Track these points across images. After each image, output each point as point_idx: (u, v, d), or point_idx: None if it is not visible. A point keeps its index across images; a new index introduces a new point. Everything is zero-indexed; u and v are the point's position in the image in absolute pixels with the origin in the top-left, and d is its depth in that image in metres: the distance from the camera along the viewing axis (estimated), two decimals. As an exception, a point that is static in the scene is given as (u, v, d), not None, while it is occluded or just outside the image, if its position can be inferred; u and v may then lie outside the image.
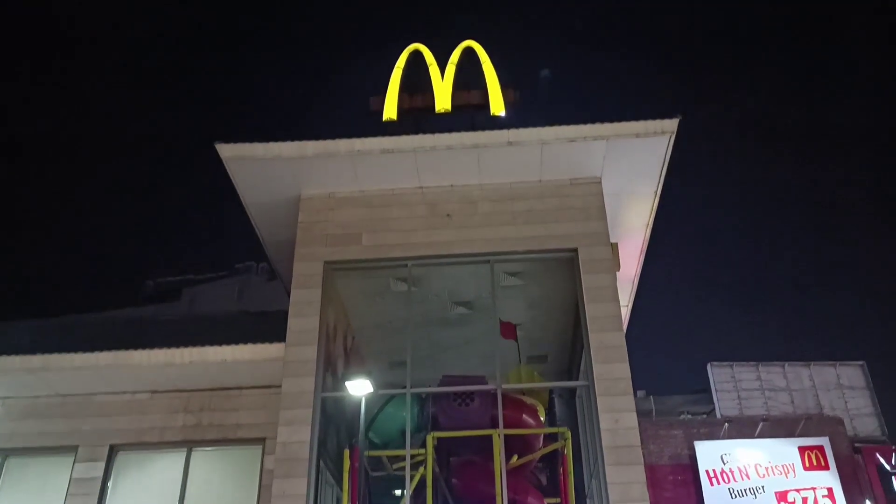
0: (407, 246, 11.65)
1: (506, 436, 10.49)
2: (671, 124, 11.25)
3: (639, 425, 10.14)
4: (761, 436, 19.09)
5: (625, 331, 11.68)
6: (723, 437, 19.14)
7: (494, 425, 10.60)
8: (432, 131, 11.74)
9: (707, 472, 18.75)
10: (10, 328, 13.94)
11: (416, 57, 13.44)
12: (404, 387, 11.00)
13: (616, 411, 10.06)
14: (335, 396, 11.20)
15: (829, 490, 18.43)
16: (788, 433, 19.16)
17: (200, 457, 11.58)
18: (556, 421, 13.23)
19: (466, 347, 13.69)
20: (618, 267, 11.75)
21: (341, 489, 10.67)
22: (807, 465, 18.78)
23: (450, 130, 11.64)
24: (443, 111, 12.85)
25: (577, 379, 13.15)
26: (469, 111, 12.83)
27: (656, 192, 12.23)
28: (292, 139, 11.60)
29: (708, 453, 18.96)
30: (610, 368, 10.43)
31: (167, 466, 11.50)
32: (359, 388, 10.50)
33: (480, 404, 11.23)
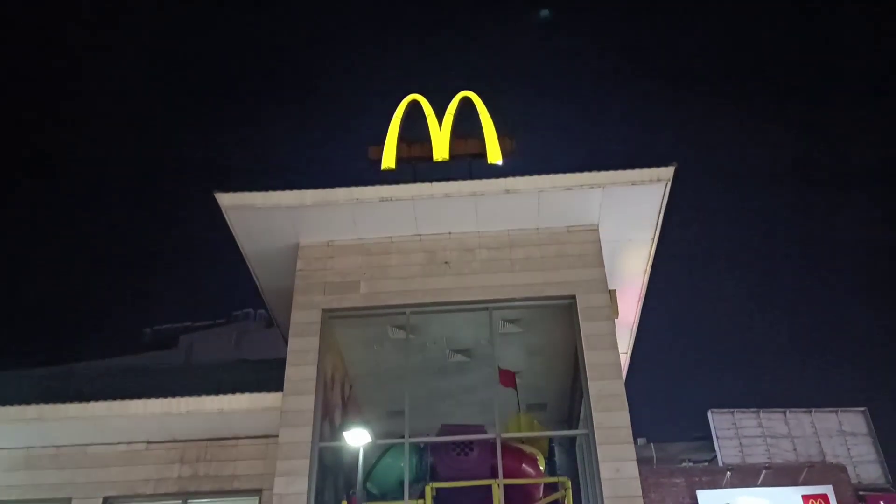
0: (405, 294, 11.67)
1: (506, 486, 10.36)
2: (667, 172, 11.38)
3: (639, 474, 10.05)
4: (764, 484, 18.90)
5: (624, 378, 11.63)
6: (725, 486, 18.95)
7: (494, 475, 10.48)
8: (430, 180, 11.87)
9: (710, 521, 18.51)
10: (4, 377, 13.89)
11: (415, 107, 13.63)
12: (402, 436, 10.90)
13: (617, 460, 9.98)
14: (333, 446, 11.09)
15: (835, 539, 18.18)
16: (792, 481, 18.98)
17: (196, 509, 11.41)
18: (557, 470, 13.08)
19: (465, 396, 13.61)
20: (616, 314, 11.76)
21: (339, 542, 10.51)
22: (811, 513, 18.55)
23: (448, 179, 11.79)
24: (441, 160, 12.98)
25: (577, 427, 13.04)
26: (466, 160, 12.96)
27: (653, 238, 12.31)
28: (290, 188, 11.71)
29: (711, 502, 18.73)
30: (610, 417, 10.37)
31: (162, 519, 11.32)
32: (356, 437, 10.40)
33: (480, 454, 11.11)
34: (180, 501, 11.37)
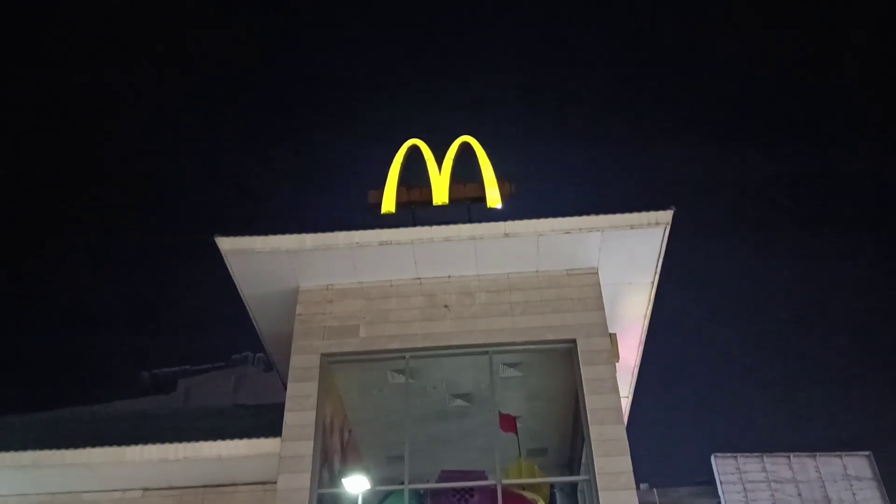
0: (405, 338, 11.65)
1: (506, 534, 10.21)
2: (665, 216, 11.44)
3: (642, 520, 9.92)
4: (770, 530, 18.60)
5: (625, 422, 11.54)
6: (730, 532, 18.64)
7: (495, 522, 10.33)
8: (430, 224, 11.94)
9: (715, 569, 18.18)
10: (0, 423, 13.76)
11: (414, 151, 13.75)
12: (402, 482, 10.77)
13: (619, 507, 9.84)
14: (332, 493, 10.95)
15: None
16: (797, 527, 18.68)
17: (192, 557, 11.23)
18: (558, 516, 12.89)
19: (465, 440, 13.46)
20: (617, 358, 11.71)
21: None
22: (818, 560, 18.23)
23: (447, 223, 11.84)
24: (440, 204, 13.06)
25: (578, 472, 12.89)
26: (466, 204, 13.03)
27: (653, 282, 12.32)
28: (290, 232, 11.75)
29: (715, 549, 18.43)
30: (611, 462, 10.27)
31: (157, 568, 11.14)
32: (356, 484, 10.27)
33: (480, 500, 10.98)
34: (176, 550, 11.19)
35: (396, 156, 13.75)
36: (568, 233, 11.57)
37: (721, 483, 21.80)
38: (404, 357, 11.68)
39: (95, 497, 11.54)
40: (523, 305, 11.78)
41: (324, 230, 11.78)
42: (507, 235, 11.62)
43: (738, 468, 22.10)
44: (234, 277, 11.99)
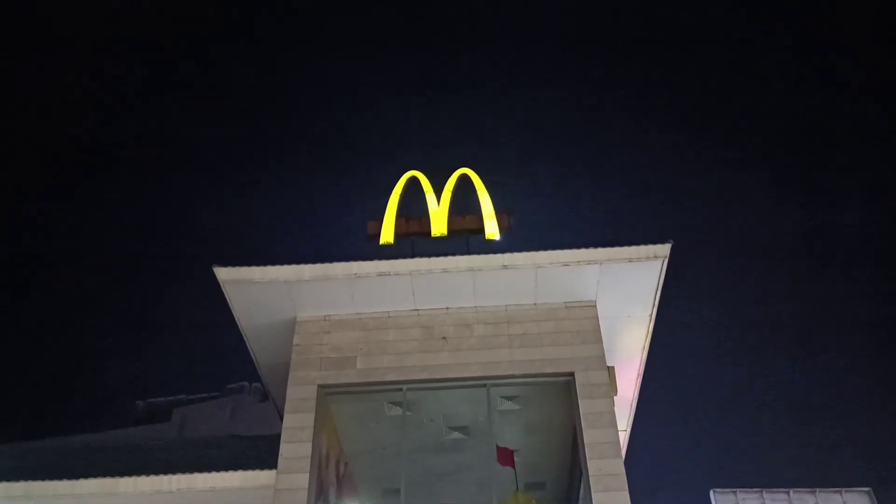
0: (402, 370, 11.60)
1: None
2: (663, 249, 11.47)
3: (641, 558, 9.80)
4: (769, 567, 18.35)
5: (624, 456, 11.46)
6: (730, 569, 18.38)
7: (491, 558, 10.22)
8: (428, 255, 11.93)
9: None
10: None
11: (413, 183, 13.83)
12: (398, 516, 10.67)
13: (617, 543, 9.75)
14: (326, 527, 10.83)
15: None
16: (797, 565, 18.43)
17: (183, 592, 11.05)
18: (555, 552, 12.76)
19: (462, 474, 13.35)
20: (615, 391, 11.67)
21: None
22: None
23: (446, 254, 11.84)
24: (439, 236, 13.09)
25: (576, 507, 12.78)
26: (464, 236, 13.07)
27: (651, 315, 12.31)
28: (289, 262, 11.76)
29: (714, 586, 18.16)
30: (609, 497, 10.19)
31: None
32: (351, 518, 10.18)
33: (477, 535, 10.86)
34: (168, 584, 11.02)
35: (395, 187, 13.82)
36: (566, 265, 11.59)
37: (720, 519, 21.55)
38: (401, 389, 11.63)
39: (87, 529, 11.40)
40: (521, 338, 11.76)
41: (322, 261, 11.79)
42: (505, 267, 11.64)
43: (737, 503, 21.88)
44: (231, 307, 11.97)
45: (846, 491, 21.93)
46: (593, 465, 10.46)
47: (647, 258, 11.49)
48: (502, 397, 11.95)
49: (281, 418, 11.54)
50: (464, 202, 13.48)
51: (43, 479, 11.11)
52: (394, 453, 11.88)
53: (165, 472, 11.03)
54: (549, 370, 11.47)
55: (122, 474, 11.07)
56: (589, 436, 10.70)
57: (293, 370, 11.70)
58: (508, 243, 12.88)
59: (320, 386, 11.52)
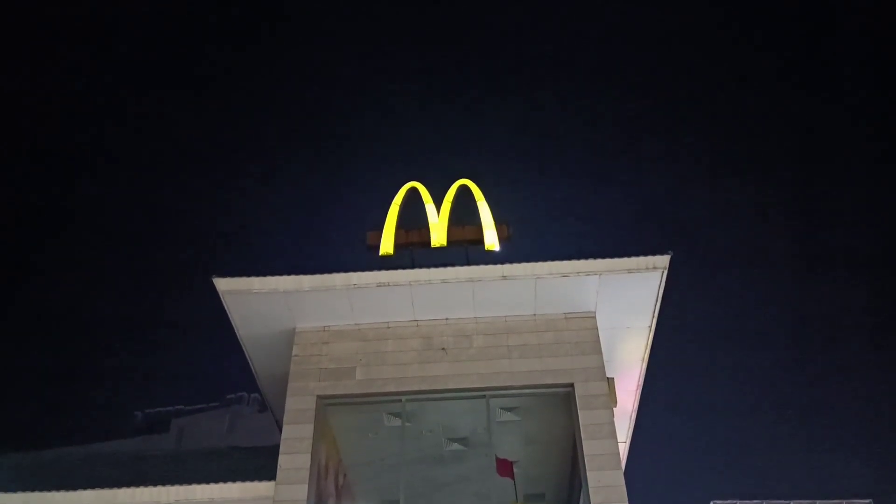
0: (401, 380, 11.59)
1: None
2: (662, 260, 11.48)
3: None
4: (770, 580, 18.27)
5: (623, 468, 11.43)
6: (730, 581, 18.31)
7: (491, 570, 10.18)
8: (428, 266, 11.94)
9: None
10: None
11: (413, 194, 13.84)
12: (397, 528, 10.63)
13: (617, 555, 9.72)
14: (325, 539, 10.79)
15: None
16: (798, 577, 18.35)
17: None
18: (555, 564, 12.71)
19: (461, 485, 13.31)
20: (615, 402, 11.65)
21: None
22: None
23: (445, 265, 11.85)
24: (438, 246, 13.10)
25: (576, 519, 12.74)
26: (464, 246, 13.07)
27: (650, 326, 12.31)
28: (288, 273, 11.76)
29: None
30: (609, 508, 10.13)
31: None
32: (350, 530, 10.14)
33: (476, 547, 10.82)
34: None
35: (395, 198, 13.84)
36: (566, 276, 11.59)
37: (720, 530, 21.47)
38: (401, 400, 11.61)
39: (84, 540, 11.34)
40: (521, 349, 11.75)
41: (321, 271, 11.79)
42: (504, 278, 11.64)
43: (737, 515, 21.80)
44: (231, 318, 11.96)
45: (847, 502, 21.93)
46: (593, 477, 10.43)
47: (647, 269, 11.50)
48: (502, 408, 11.93)
49: (280, 429, 11.51)
50: (463, 213, 13.50)
51: (41, 490, 11.07)
52: (393, 464, 11.85)
53: (164, 484, 10.99)
54: (548, 381, 11.46)
55: (120, 485, 11.03)
56: (589, 447, 10.68)
57: (292, 381, 11.68)
58: (508, 254, 12.90)
59: (319, 397, 11.50)
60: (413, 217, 13.54)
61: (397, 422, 11.79)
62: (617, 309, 11.93)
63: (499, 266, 11.75)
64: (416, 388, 11.52)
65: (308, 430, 11.14)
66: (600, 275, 11.54)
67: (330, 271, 11.77)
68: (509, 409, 12.00)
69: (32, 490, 11.07)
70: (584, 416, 10.97)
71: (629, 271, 11.51)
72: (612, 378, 11.96)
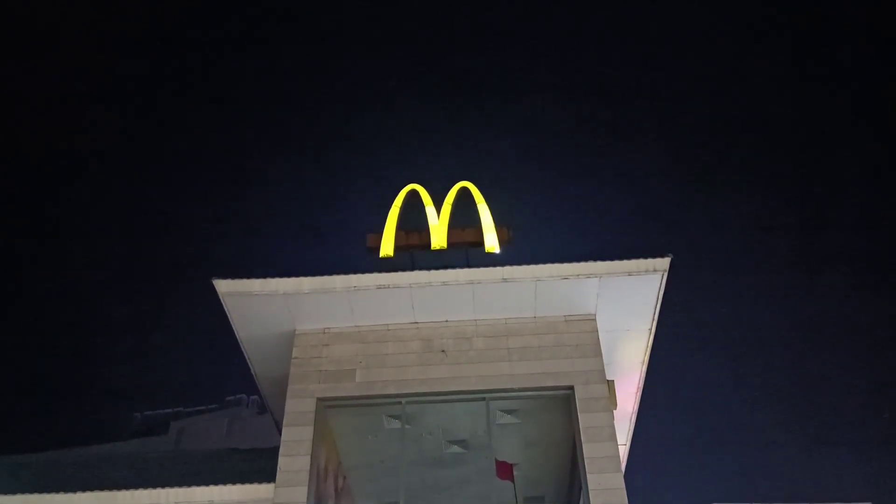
0: (401, 383, 11.57)
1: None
2: (663, 263, 11.47)
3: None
4: (770, 583, 18.26)
5: (623, 470, 11.42)
6: (730, 584, 18.29)
7: (490, 573, 10.16)
8: (428, 268, 11.94)
9: None
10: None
11: (413, 196, 13.83)
12: (396, 531, 10.61)
13: (617, 558, 9.70)
14: (324, 541, 10.77)
15: None
16: (798, 580, 18.34)
17: None
18: (555, 567, 12.70)
19: (461, 488, 13.30)
20: (615, 405, 11.63)
21: None
22: None
23: (445, 267, 11.86)
24: (438, 249, 13.09)
25: (575, 522, 12.72)
26: (464, 249, 13.07)
27: (651, 329, 12.30)
28: (288, 275, 11.75)
29: None
30: (609, 512, 10.12)
31: None
32: (349, 532, 10.13)
33: (476, 550, 10.81)
34: None
35: (395, 200, 13.83)
36: (566, 279, 11.59)
37: (720, 534, 21.46)
38: (400, 402, 11.59)
39: (83, 542, 11.32)
40: (521, 351, 11.74)
41: (321, 273, 11.78)
42: (504, 280, 11.63)
43: (737, 518, 21.77)
44: (230, 320, 11.95)
45: (846, 506, 21.93)
46: (593, 480, 10.42)
47: (647, 272, 11.49)
48: (501, 411, 11.92)
49: (279, 431, 11.49)
50: (464, 215, 13.49)
51: (39, 492, 11.06)
52: (392, 467, 11.84)
53: (163, 486, 10.98)
54: (548, 384, 11.45)
55: (119, 487, 11.02)
56: (588, 450, 10.67)
57: (292, 383, 11.66)
58: (508, 256, 12.89)
59: (319, 399, 11.49)
60: (413, 219, 13.53)
61: (397, 424, 11.78)
62: (617, 311, 11.92)
63: (499, 268, 11.74)
64: (415, 390, 11.51)
65: (308, 432, 11.13)
66: (600, 277, 11.53)
67: (330, 273, 11.77)
68: (509, 412, 11.98)
69: (31, 492, 11.06)
70: (584, 419, 10.95)
71: (629, 274, 11.50)
72: (613, 380, 11.95)
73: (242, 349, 12.43)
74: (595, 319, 11.97)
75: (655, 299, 11.82)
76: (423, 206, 13.70)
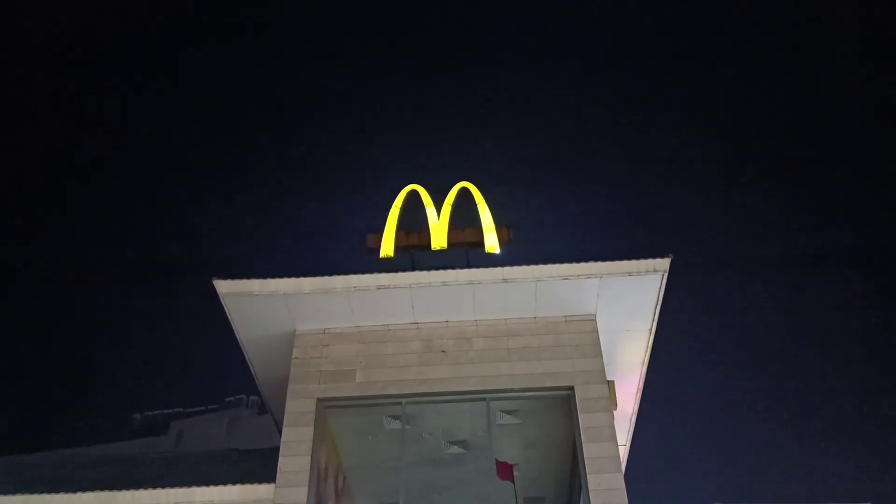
0: (401, 383, 11.57)
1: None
2: (663, 263, 11.47)
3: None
4: (770, 584, 18.25)
5: (623, 471, 11.41)
6: (730, 585, 18.28)
7: (490, 574, 10.16)
8: (428, 268, 11.94)
9: None
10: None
11: (414, 196, 13.84)
12: (397, 531, 10.61)
13: (617, 559, 9.70)
14: (325, 541, 10.77)
15: None
16: (798, 580, 18.34)
17: None
18: (555, 568, 12.69)
19: (461, 488, 13.29)
20: (615, 405, 11.63)
21: None
22: None
23: (445, 268, 11.85)
24: (438, 249, 13.09)
25: (575, 522, 12.72)
26: (464, 249, 13.07)
27: (651, 329, 12.30)
28: (288, 275, 11.75)
29: None
30: (609, 512, 10.12)
31: None
32: (349, 532, 10.12)
33: (476, 550, 10.80)
34: None
35: (396, 200, 13.83)
36: (566, 279, 11.58)
37: (720, 534, 21.45)
38: (401, 403, 11.59)
39: (83, 542, 11.32)
40: (521, 352, 11.74)
41: (322, 273, 11.78)
42: (505, 281, 11.63)
43: (737, 519, 21.77)
44: (230, 320, 11.95)
45: (846, 506, 21.92)
46: (593, 480, 10.42)
47: (647, 272, 11.49)
48: (502, 411, 11.91)
49: (279, 432, 11.49)
50: (464, 216, 13.49)
51: (40, 492, 11.06)
52: (393, 467, 11.83)
53: (163, 486, 10.98)
54: (548, 384, 11.45)
55: (119, 488, 11.01)
56: (589, 450, 10.67)
57: (292, 383, 11.66)
58: (508, 257, 12.90)
59: (319, 399, 11.49)
60: (413, 220, 13.53)
61: (397, 424, 11.78)
62: (617, 312, 11.92)
63: (499, 269, 11.73)
64: (416, 390, 11.50)
65: (308, 432, 11.12)
66: (601, 277, 11.53)
67: (330, 273, 11.77)
68: (509, 412, 11.98)
69: (31, 492, 11.06)
70: (584, 419, 10.95)
71: (630, 274, 11.50)
72: (613, 381, 11.96)
73: (242, 349, 12.43)
74: (595, 320, 11.96)
75: (656, 300, 11.82)
76: (423, 207, 13.71)
